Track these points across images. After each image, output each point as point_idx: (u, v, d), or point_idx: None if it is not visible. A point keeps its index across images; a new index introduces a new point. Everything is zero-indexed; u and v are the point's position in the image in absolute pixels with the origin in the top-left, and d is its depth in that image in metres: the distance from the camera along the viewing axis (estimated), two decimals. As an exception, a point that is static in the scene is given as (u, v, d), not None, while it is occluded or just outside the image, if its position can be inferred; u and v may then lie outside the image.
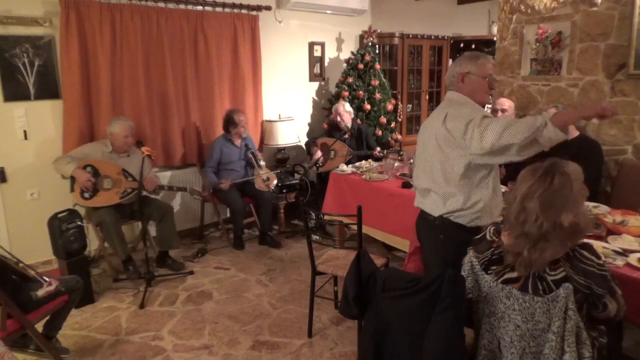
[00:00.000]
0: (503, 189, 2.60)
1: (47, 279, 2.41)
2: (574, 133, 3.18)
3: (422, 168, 2.18)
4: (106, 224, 3.46)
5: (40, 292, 2.36)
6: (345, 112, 4.60)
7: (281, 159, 4.91)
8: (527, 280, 1.57)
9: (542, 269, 1.54)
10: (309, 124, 5.51)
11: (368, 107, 5.02)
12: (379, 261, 2.72)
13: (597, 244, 2.09)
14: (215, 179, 4.19)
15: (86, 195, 3.45)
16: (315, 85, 5.50)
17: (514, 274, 1.61)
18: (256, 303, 3.26)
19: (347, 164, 4.10)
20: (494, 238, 1.72)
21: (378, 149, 4.50)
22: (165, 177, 4.26)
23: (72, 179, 3.45)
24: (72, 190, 3.47)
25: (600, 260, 1.53)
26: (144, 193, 3.55)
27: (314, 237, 2.98)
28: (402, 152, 4.16)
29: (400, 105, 5.76)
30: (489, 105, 3.96)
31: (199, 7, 4.26)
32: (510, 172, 3.14)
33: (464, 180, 1.99)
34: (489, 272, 1.68)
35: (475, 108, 2.01)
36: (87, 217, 3.66)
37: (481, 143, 1.84)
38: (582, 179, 1.59)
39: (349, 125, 4.59)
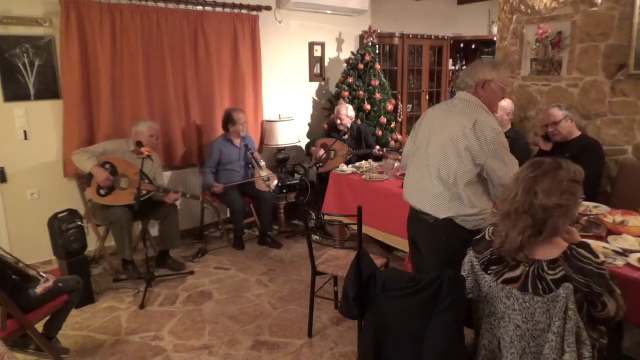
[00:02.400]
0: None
1: (44, 275, 2.41)
2: (575, 133, 3.18)
3: (432, 166, 2.12)
4: (120, 222, 3.44)
5: (38, 289, 2.36)
6: (347, 116, 4.57)
7: (281, 159, 4.91)
8: (526, 280, 1.57)
9: (515, 249, 1.58)
10: (309, 124, 5.51)
11: (368, 107, 5.02)
12: (379, 261, 2.73)
13: (597, 244, 2.09)
14: (212, 180, 4.18)
15: (102, 192, 3.45)
16: (315, 85, 5.50)
17: (514, 274, 1.61)
18: (256, 303, 3.26)
19: (347, 163, 4.09)
20: (492, 237, 1.73)
21: (377, 147, 4.49)
22: (165, 177, 4.26)
23: (90, 174, 3.45)
24: (89, 185, 3.49)
25: (598, 259, 1.54)
26: (149, 194, 3.53)
27: (314, 237, 2.98)
28: (401, 150, 4.15)
29: (400, 105, 5.76)
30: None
31: (199, 7, 4.27)
32: None
33: (473, 186, 2.01)
34: (489, 272, 1.68)
35: (497, 125, 2.04)
36: (93, 216, 3.67)
37: (498, 173, 1.96)
38: (576, 177, 1.59)
39: (348, 125, 4.59)
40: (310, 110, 5.52)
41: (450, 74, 6.60)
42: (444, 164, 2.05)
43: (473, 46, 6.67)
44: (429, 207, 2.13)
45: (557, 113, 3.14)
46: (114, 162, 3.51)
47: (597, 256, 1.55)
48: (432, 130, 2.15)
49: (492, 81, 2.03)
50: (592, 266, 1.51)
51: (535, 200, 1.54)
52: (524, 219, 1.56)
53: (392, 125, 5.20)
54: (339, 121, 4.59)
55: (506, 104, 3.59)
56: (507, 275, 1.63)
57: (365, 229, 3.17)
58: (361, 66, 5.06)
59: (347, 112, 4.58)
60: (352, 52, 5.32)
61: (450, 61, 6.60)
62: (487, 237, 1.75)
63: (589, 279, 1.49)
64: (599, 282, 1.49)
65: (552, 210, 1.54)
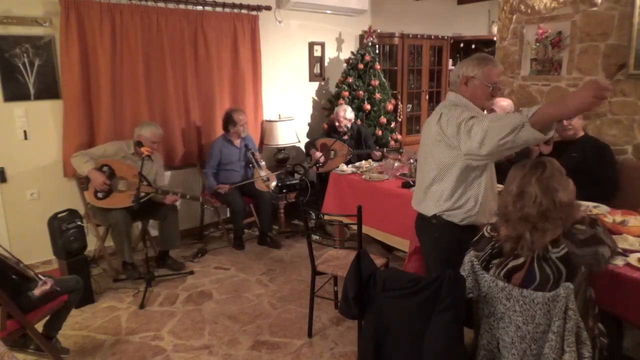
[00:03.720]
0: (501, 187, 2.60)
1: (42, 277, 2.42)
2: (579, 132, 3.15)
3: (421, 169, 2.22)
4: (120, 225, 3.44)
5: (37, 291, 2.37)
6: (345, 119, 4.55)
7: (281, 159, 4.91)
8: (532, 265, 1.61)
9: (544, 248, 1.60)
10: (309, 124, 5.51)
11: (368, 107, 5.02)
12: (379, 261, 2.72)
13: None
14: (214, 182, 4.19)
15: (100, 195, 3.45)
16: (315, 85, 5.50)
17: (518, 262, 1.65)
18: (256, 303, 3.26)
19: (347, 164, 4.09)
20: (492, 234, 1.77)
21: (379, 152, 4.45)
22: (165, 177, 4.26)
23: (88, 178, 3.44)
24: (87, 188, 3.49)
25: (592, 227, 1.60)
26: (148, 195, 3.53)
27: (314, 237, 2.98)
28: (402, 150, 4.15)
29: (400, 105, 5.76)
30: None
31: (199, 7, 4.26)
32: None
33: (456, 180, 2.01)
34: (491, 265, 1.70)
35: (468, 108, 2.01)
36: (92, 217, 3.67)
37: (470, 143, 1.83)
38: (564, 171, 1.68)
39: (349, 126, 4.58)
40: (310, 110, 5.52)
41: (450, 74, 6.59)
42: (427, 162, 2.12)
43: (473, 46, 6.66)
44: (421, 206, 2.20)
45: None
46: (112, 164, 3.51)
47: (593, 223, 1.61)
48: (422, 137, 2.25)
49: (474, 78, 2.01)
50: (586, 233, 1.58)
51: (556, 199, 1.58)
52: (551, 217, 1.58)
53: (392, 125, 5.20)
54: (337, 123, 4.59)
55: (506, 104, 3.59)
56: (511, 265, 1.66)
57: (365, 229, 3.17)
58: (361, 66, 5.06)
59: (345, 115, 4.56)
60: (352, 52, 5.31)
61: (450, 61, 6.60)
62: (485, 234, 1.78)
63: (590, 248, 1.56)
64: (595, 242, 1.58)
65: (572, 203, 1.62)
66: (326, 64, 5.51)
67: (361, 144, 4.66)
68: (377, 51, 5.31)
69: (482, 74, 2.00)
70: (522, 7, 3.78)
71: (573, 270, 1.56)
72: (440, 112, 2.04)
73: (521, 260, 1.63)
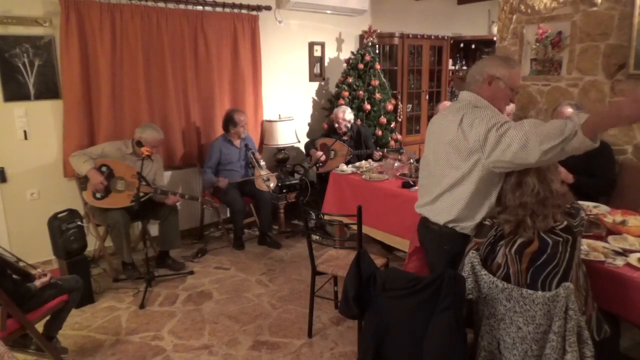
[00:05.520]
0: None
1: (39, 270, 2.47)
2: None
3: (431, 173, 2.07)
4: (118, 225, 3.43)
5: (37, 282, 2.40)
6: (344, 120, 4.54)
7: (281, 159, 4.91)
8: (540, 237, 1.68)
9: (546, 228, 1.71)
10: (309, 124, 5.51)
11: (368, 107, 5.02)
12: (379, 261, 2.72)
13: (597, 244, 2.09)
14: (214, 178, 4.19)
15: (98, 195, 3.45)
16: (315, 85, 5.50)
17: (525, 237, 1.70)
18: (256, 303, 3.26)
19: (347, 164, 4.09)
20: (493, 220, 1.82)
21: (379, 153, 4.46)
22: (165, 177, 4.26)
23: (87, 177, 3.45)
24: (85, 188, 3.48)
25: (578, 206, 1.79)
26: (147, 195, 3.53)
27: (314, 237, 2.98)
28: (402, 150, 4.15)
29: (400, 105, 5.76)
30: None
31: (199, 7, 4.26)
32: None
33: (474, 188, 1.87)
34: (499, 247, 1.74)
35: (496, 112, 1.88)
36: (92, 217, 3.66)
37: (502, 151, 1.71)
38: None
39: (349, 126, 4.58)
40: (310, 110, 5.52)
41: (450, 74, 6.61)
42: (443, 169, 1.97)
43: (473, 46, 6.67)
44: (432, 213, 2.07)
45: (569, 111, 3.10)
46: (111, 164, 3.51)
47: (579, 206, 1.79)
48: (431, 137, 2.10)
49: (500, 79, 1.90)
50: (574, 205, 1.76)
51: (553, 188, 1.71)
52: (549, 204, 1.70)
53: (392, 125, 5.20)
54: (337, 125, 4.59)
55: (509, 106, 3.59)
56: (520, 241, 1.70)
57: (365, 229, 3.17)
58: (361, 66, 5.06)
59: (344, 116, 4.56)
60: (352, 52, 5.31)
61: (450, 61, 6.60)
62: (487, 223, 1.85)
63: (578, 216, 1.74)
64: (577, 210, 1.76)
65: (566, 191, 1.74)
66: (326, 64, 5.51)
67: (361, 144, 4.66)
68: (377, 51, 5.31)
69: (509, 76, 1.91)
70: (522, 7, 3.78)
71: (575, 238, 1.68)
72: (462, 114, 1.88)
73: (529, 233, 1.70)
